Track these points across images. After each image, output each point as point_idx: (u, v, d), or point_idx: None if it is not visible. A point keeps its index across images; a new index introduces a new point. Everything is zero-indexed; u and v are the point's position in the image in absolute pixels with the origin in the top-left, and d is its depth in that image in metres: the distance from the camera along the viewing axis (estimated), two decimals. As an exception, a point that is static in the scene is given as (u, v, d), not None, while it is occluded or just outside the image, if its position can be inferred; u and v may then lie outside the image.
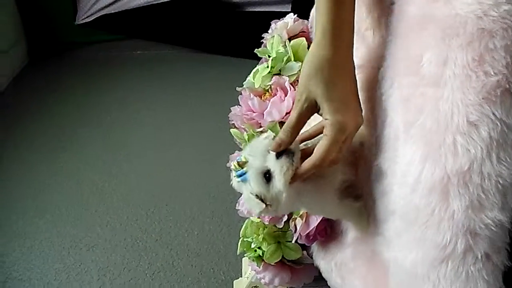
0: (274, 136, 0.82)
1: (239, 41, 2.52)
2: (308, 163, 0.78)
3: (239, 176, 0.80)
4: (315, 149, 0.77)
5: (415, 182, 0.72)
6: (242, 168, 0.80)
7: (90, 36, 2.82)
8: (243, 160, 0.80)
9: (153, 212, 1.89)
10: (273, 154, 0.79)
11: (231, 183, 0.84)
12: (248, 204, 0.81)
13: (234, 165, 0.80)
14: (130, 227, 1.84)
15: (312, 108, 0.77)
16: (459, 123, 0.67)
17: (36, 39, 2.86)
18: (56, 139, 2.32)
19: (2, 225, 1.88)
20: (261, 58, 1.17)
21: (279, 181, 0.78)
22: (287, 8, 2.18)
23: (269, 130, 1.00)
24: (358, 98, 0.79)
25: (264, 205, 0.79)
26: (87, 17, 2.69)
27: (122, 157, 2.20)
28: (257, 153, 0.80)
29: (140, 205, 1.93)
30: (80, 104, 2.56)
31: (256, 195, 0.79)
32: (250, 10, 2.54)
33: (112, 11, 2.63)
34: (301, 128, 0.80)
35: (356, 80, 0.79)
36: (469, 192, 0.67)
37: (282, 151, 0.79)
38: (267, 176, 0.79)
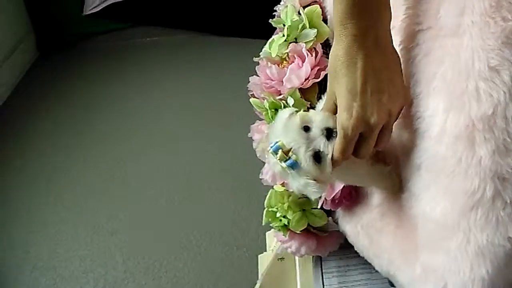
0: (297, 110, 0.82)
1: (247, 21, 2.52)
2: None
3: (292, 166, 0.78)
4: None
5: (439, 133, 0.72)
6: (288, 156, 0.78)
7: (99, 26, 2.81)
8: (284, 146, 0.78)
9: (172, 194, 1.91)
10: (316, 132, 0.78)
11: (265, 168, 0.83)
12: (308, 189, 0.79)
13: (281, 156, 0.78)
14: (150, 210, 1.86)
15: None
16: (481, 69, 0.68)
17: (45, 32, 2.86)
18: (73, 130, 2.34)
19: (23, 216, 1.91)
20: (271, 34, 1.17)
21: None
22: (293, -14, 2.16)
23: (289, 98, 1.01)
24: None
25: (325, 187, 0.79)
26: (94, 7, 2.67)
27: (141, 141, 2.21)
28: (295, 136, 0.78)
29: (159, 188, 1.94)
30: (94, 94, 2.56)
31: (314, 179, 0.78)
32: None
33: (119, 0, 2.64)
34: None
35: None
36: (494, 137, 0.67)
37: (330, 131, 0.79)
38: (318, 156, 0.78)
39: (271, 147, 0.79)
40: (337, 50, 0.76)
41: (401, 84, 0.77)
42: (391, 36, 0.77)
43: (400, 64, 0.77)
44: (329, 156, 0.78)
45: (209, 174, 1.96)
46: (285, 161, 0.78)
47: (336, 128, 0.78)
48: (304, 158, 0.77)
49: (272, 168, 0.85)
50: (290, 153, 0.78)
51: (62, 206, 1.93)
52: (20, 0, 2.76)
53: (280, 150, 0.78)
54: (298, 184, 0.80)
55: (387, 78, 0.74)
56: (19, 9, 2.77)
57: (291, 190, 1.07)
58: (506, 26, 0.66)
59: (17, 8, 2.75)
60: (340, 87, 0.76)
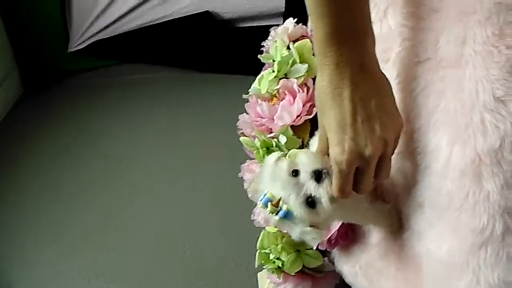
0: (283, 154, 0.78)
1: (234, 58, 2.49)
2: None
3: (284, 216, 0.73)
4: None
5: (444, 168, 0.69)
6: (279, 206, 0.73)
7: (84, 63, 2.76)
8: (273, 197, 0.74)
9: (160, 235, 1.87)
10: (305, 176, 0.74)
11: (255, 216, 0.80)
12: (306, 237, 0.76)
13: (271, 209, 0.73)
14: (137, 252, 1.82)
15: None
16: (486, 100, 0.65)
17: (29, 69, 2.82)
18: (58, 167, 2.27)
19: (12, 256, 1.87)
20: (259, 70, 1.15)
21: (328, 205, 0.73)
22: (278, 21, 2.17)
23: (281, 135, 0.98)
24: None
25: (324, 232, 0.76)
26: (79, 44, 2.66)
27: (129, 178, 2.16)
28: (283, 184, 0.74)
29: (146, 230, 1.90)
30: (81, 131, 2.50)
31: (310, 225, 0.74)
32: (242, 26, 2.52)
33: (105, 36, 2.61)
34: None
35: None
36: (502, 171, 0.64)
37: (320, 173, 0.74)
38: (310, 201, 0.74)
39: (260, 200, 0.75)
40: (321, 81, 0.70)
41: (394, 109, 0.72)
42: (377, 61, 0.72)
43: (391, 88, 0.72)
44: (323, 199, 0.74)
45: (198, 212, 1.91)
46: (276, 214, 0.73)
47: (325, 169, 0.74)
48: (296, 205, 0.73)
49: (267, 218, 0.81)
50: (281, 203, 0.73)
51: (55, 249, 1.88)
52: (4, 36, 2.73)
53: (269, 203, 0.74)
54: (295, 233, 0.76)
55: (378, 105, 0.69)
56: (3, 46, 2.73)
57: (284, 231, 1.03)
58: (511, 55, 0.64)
59: (1, 44, 2.72)
60: (329, 120, 0.71)
